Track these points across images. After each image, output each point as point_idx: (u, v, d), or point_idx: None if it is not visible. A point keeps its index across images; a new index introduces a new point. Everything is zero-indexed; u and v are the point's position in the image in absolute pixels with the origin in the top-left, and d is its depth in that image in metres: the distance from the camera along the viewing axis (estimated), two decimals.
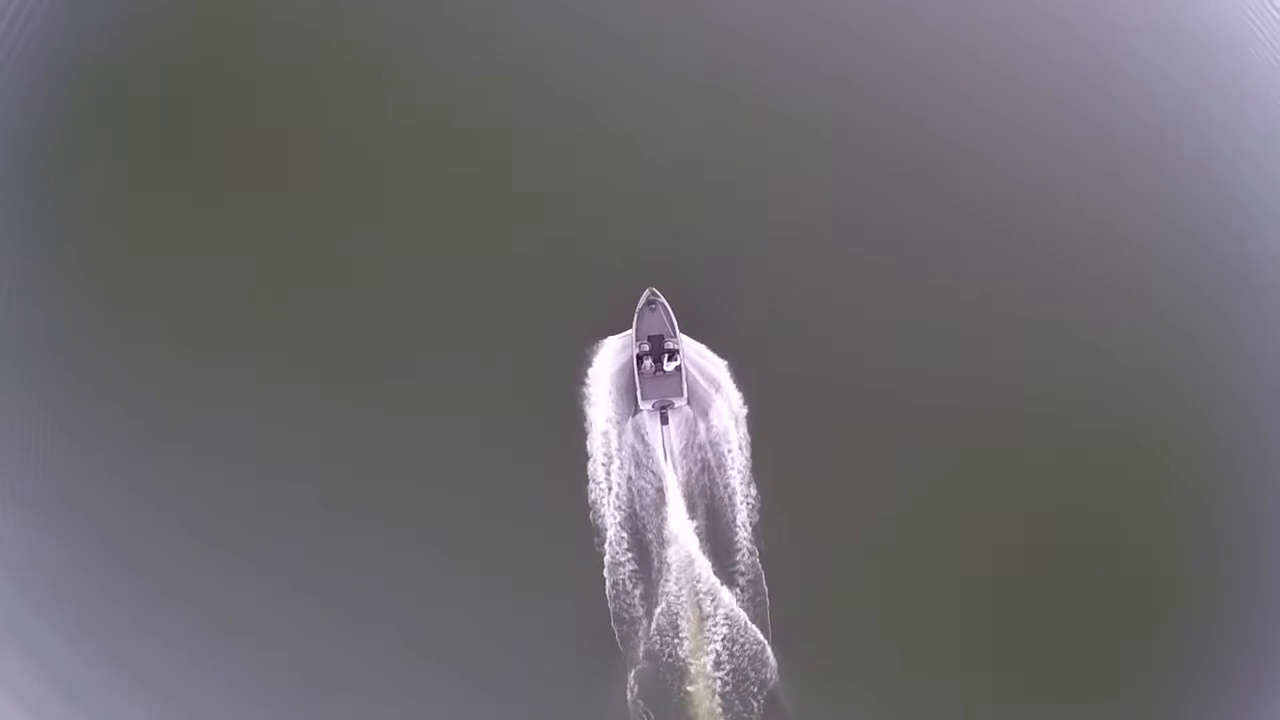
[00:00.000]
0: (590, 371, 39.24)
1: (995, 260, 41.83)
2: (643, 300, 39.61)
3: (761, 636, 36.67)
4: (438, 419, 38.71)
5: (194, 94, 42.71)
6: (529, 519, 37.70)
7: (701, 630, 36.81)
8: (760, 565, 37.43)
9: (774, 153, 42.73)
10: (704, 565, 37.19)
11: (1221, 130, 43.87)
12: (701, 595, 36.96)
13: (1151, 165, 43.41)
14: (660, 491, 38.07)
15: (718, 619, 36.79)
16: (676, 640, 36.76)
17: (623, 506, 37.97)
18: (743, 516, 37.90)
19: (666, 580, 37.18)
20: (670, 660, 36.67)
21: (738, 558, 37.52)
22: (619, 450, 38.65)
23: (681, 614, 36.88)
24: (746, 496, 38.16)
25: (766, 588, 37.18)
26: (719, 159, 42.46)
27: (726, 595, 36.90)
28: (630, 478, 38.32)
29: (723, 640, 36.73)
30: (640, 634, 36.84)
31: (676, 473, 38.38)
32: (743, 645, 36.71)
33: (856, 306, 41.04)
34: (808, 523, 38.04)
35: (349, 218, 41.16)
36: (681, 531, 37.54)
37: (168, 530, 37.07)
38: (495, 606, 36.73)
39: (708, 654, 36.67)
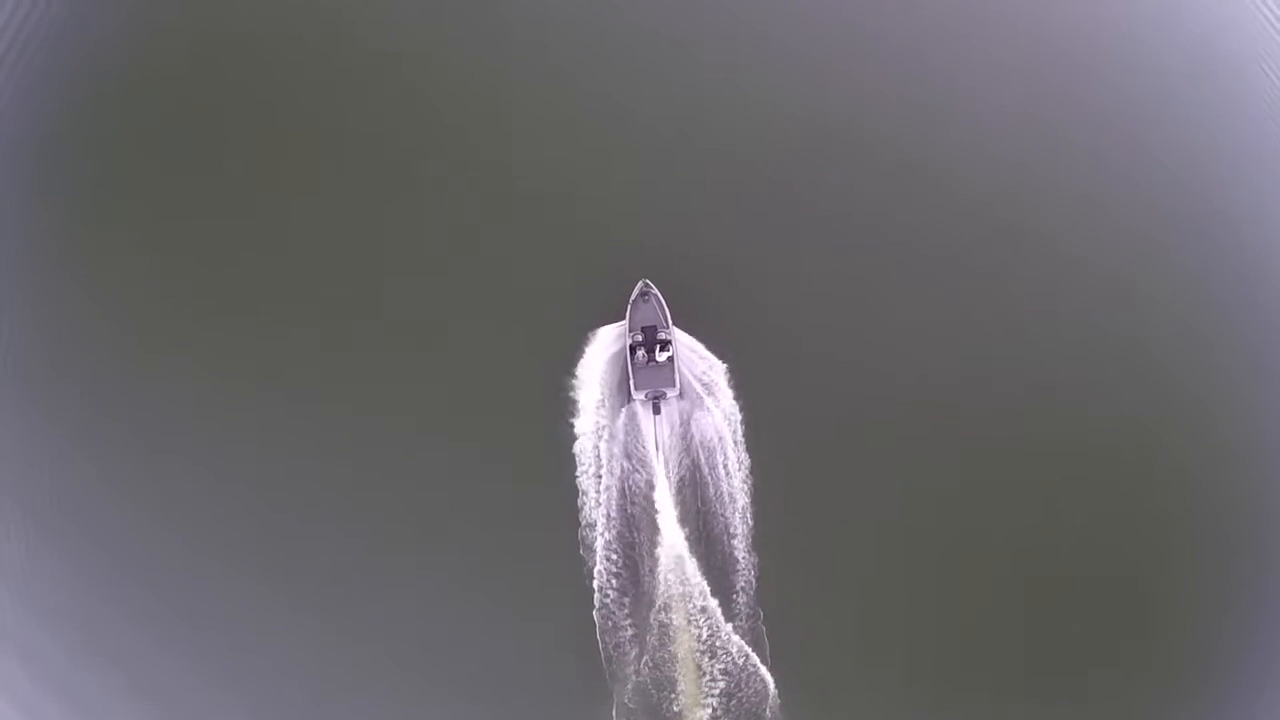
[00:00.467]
0: (584, 361, 39.03)
1: (999, 258, 41.52)
2: (636, 291, 39.43)
3: (766, 675, 36.15)
4: (434, 416, 38.54)
5: (192, 104, 42.30)
6: (523, 534, 37.39)
7: (700, 687, 36.27)
8: (763, 625, 36.92)
9: (770, 147, 42.36)
10: (702, 624, 36.55)
11: (1226, 121, 43.66)
12: (701, 653, 36.44)
13: (1154, 156, 43.15)
14: (654, 520, 37.58)
15: (715, 675, 36.30)
16: (673, 695, 36.23)
17: (615, 524, 37.42)
18: (745, 567, 37.31)
19: (665, 640, 36.60)
20: (666, 715, 36.20)
21: (736, 600, 36.98)
22: (610, 442, 38.28)
23: (679, 671, 36.36)
24: (746, 537, 37.57)
25: (764, 627, 36.87)
26: (715, 153, 42.12)
27: (725, 640, 36.31)
28: (623, 470, 37.92)
29: (720, 695, 36.18)
30: (632, 689, 36.30)
31: (668, 470, 37.94)
32: (740, 700, 36.11)
33: (852, 305, 40.72)
34: (810, 550, 37.56)
35: (346, 214, 40.88)
36: (677, 566, 36.97)
37: (167, 539, 36.94)
38: (487, 659, 36.42)
39: (705, 707, 36.15)
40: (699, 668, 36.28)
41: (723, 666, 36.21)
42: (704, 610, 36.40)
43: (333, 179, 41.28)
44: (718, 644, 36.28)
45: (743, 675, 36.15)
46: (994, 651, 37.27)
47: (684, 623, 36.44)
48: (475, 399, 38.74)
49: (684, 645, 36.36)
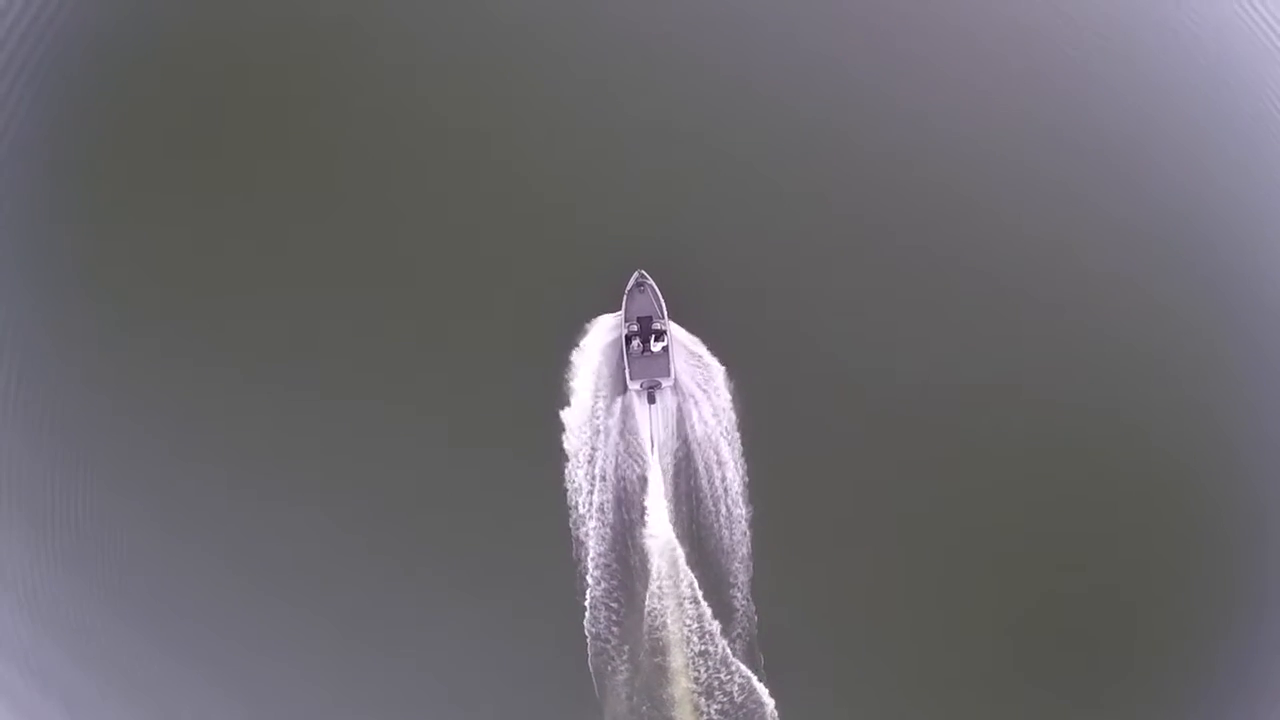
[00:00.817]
0: (580, 351, 39.13)
1: (1000, 258, 41.55)
2: (632, 282, 39.68)
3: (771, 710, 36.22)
4: (433, 413, 38.66)
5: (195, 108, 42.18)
6: (519, 537, 37.55)
7: None
8: (763, 671, 36.87)
9: (768, 144, 42.50)
10: (701, 668, 36.45)
11: (1227, 120, 43.83)
12: (698, 694, 36.39)
13: (1156, 158, 43.33)
14: (649, 543, 37.52)
15: (712, 715, 36.20)
16: None
17: (609, 538, 37.36)
18: (744, 614, 37.21)
19: (663, 681, 36.52)
20: None
21: (735, 644, 36.82)
22: (606, 435, 38.26)
23: (677, 712, 36.29)
24: (746, 585, 37.42)
25: (764, 672, 36.84)
26: (711, 148, 42.22)
27: (725, 680, 36.20)
28: (618, 465, 37.95)
29: None
30: None
31: (663, 467, 37.96)
32: None
33: (850, 302, 40.90)
34: (811, 587, 37.63)
35: (344, 212, 40.91)
36: (677, 609, 36.84)
37: (168, 542, 37.09)
38: (483, 665, 36.63)
39: None
40: (696, 708, 36.28)
41: (719, 707, 36.17)
42: (704, 655, 36.37)
43: (332, 177, 41.30)
44: (715, 685, 36.21)
45: (741, 714, 36.13)
46: (999, 673, 37.44)
47: (682, 665, 36.36)
48: (472, 393, 38.80)
49: (681, 686, 36.32)
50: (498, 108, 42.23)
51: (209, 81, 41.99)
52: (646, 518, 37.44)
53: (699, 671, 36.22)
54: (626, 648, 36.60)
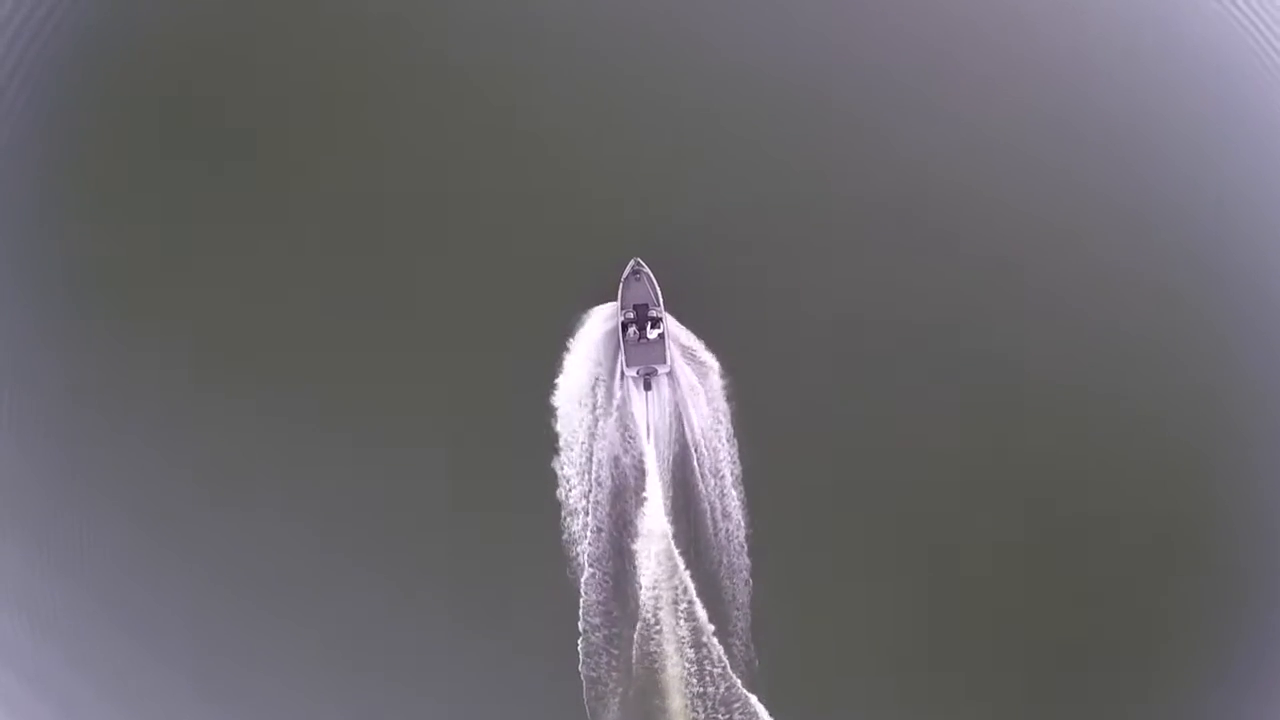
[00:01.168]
0: (577, 341, 39.14)
1: (1006, 253, 41.29)
2: (628, 270, 39.83)
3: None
4: (435, 405, 38.59)
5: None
6: (514, 540, 37.47)
7: None
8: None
9: (766, 133, 42.43)
10: (699, 709, 36.10)
11: (1234, 116, 43.75)
12: None
13: (1165, 152, 43.16)
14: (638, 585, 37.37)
15: None
16: None
17: (604, 547, 37.20)
18: (744, 655, 36.90)
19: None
20: None
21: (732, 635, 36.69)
22: (604, 422, 38.14)
23: None
24: (746, 624, 37.10)
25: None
26: (709, 136, 42.29)
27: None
28: (614, 463, 37.81)
29: None
30: None
31: (657, 458, 37.90)
32: None
33: (844, 294, 40.59)
34: (811, 617, 37.29)
35: (340, 211, 40.90)
36: (677, 651, 36.58)
37: (165, 550, 37.04)
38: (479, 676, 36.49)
39: None
40: None
41: None
42: (703, 697, 36.04)
43: (331, 176, 41.31)
44: None
45: None
46: (1002, 683, 37.21)
47: (681, 707, 36.06)
48: (472, 392, 38.69)
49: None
50: (494, 101, 42.32)
51: (206, 82, 42.20)
52: (638, 561, 37.25)
53: (698, 713, 35.90)
54: (622, 689, 36.33)
